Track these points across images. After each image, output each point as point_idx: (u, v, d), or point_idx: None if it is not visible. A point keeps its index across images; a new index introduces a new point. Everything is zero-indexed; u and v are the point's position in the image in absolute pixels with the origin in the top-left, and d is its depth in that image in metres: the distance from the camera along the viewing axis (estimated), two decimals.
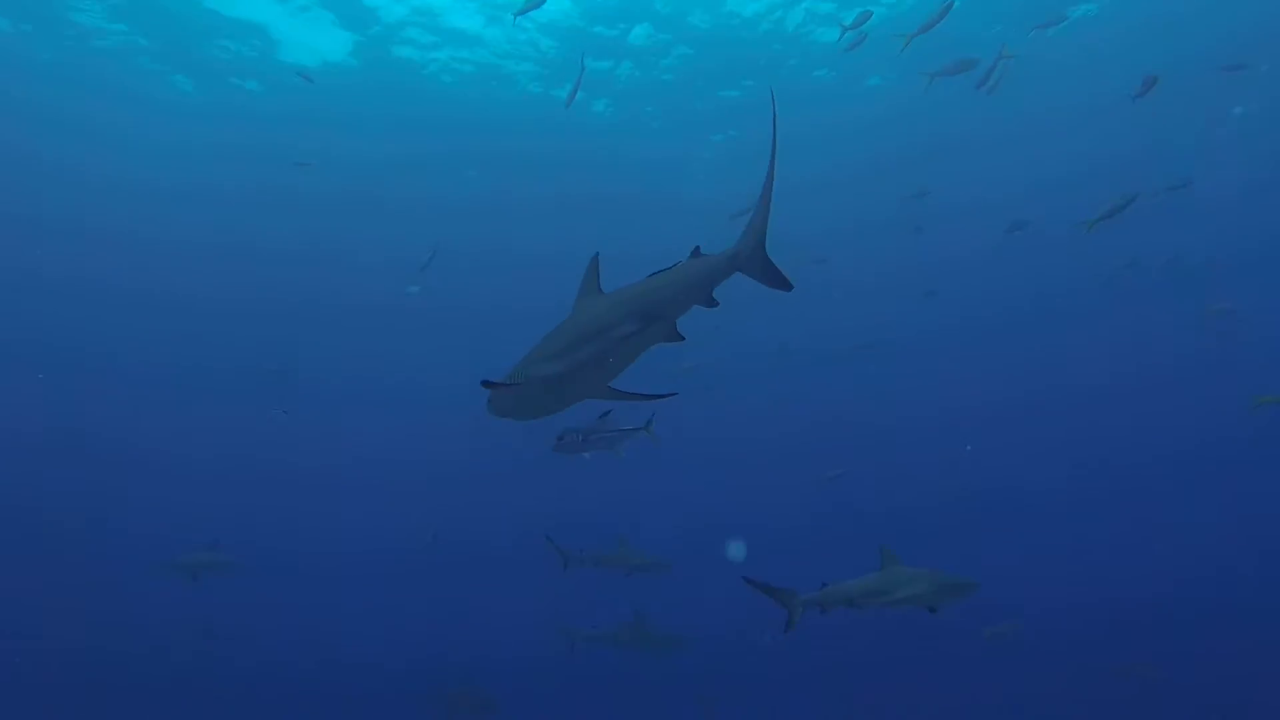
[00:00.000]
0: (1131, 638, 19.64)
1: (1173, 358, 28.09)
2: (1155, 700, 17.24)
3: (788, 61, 23.18)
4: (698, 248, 5.87)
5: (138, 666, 20.10)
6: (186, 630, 19.61)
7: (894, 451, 28.76)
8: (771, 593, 8.32)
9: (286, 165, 22.75)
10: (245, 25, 22.13)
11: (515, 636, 20.90)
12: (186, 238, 30.08)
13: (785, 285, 5.74)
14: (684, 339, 5.67)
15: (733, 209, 17.14)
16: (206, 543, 15.30)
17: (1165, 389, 28.80)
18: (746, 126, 24.90)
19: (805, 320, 25.46)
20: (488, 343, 16.65)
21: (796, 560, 13.59)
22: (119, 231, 29.89)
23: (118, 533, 25.17)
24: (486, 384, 5.58)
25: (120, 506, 27.26)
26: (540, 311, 8.87)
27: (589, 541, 12.22)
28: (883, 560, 8.42)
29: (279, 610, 22.70)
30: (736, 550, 18.30)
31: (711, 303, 5.76)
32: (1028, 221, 20.63)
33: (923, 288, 24.75)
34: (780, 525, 25.54)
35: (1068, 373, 30.04)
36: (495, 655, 20.63)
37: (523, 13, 17.65)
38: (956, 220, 26.02)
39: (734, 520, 21.86)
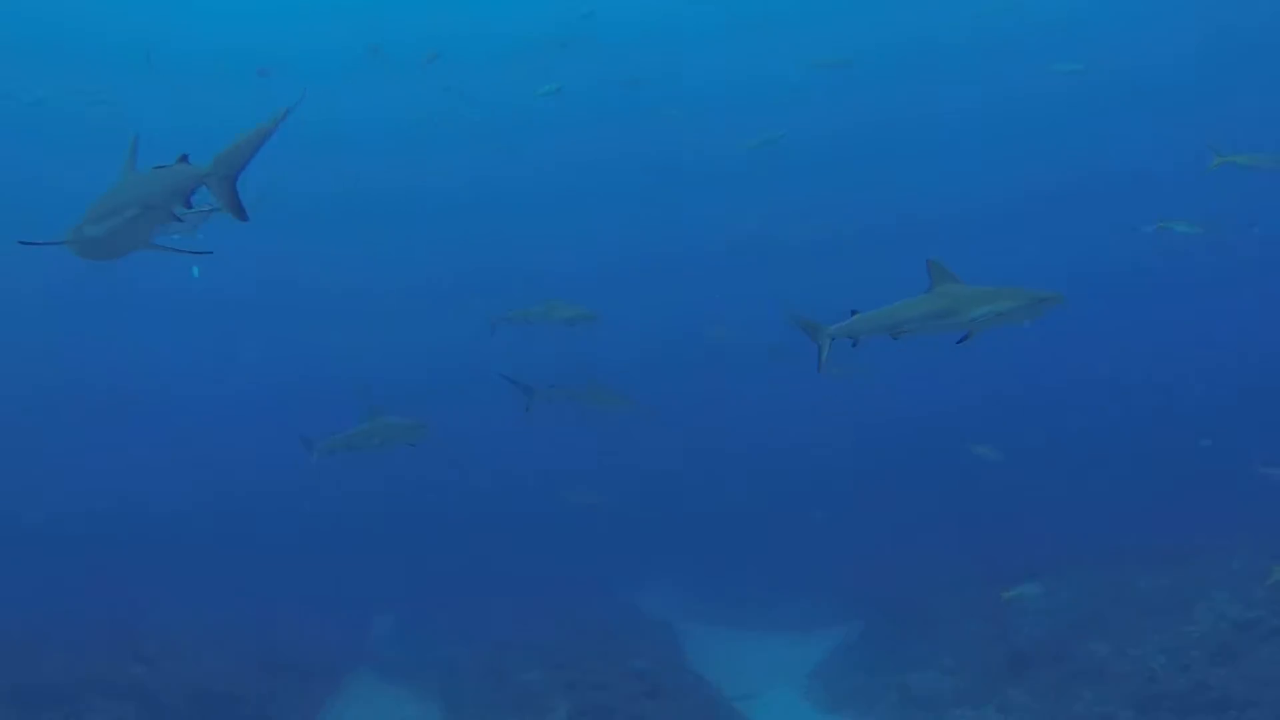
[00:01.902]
0: None
1: None
2: None
3: None
4: (184, 155, 6.08)
5: None
6: None
7: None
8: (798, 324, 7.46)
9: None
10: None
11: None
12: None
13: (241, 215, 5.96)
14: (181, 220, 6.14)
15: None
16: None
17: None
18: None
19: None
20: None
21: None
22: None
23: None
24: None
25: None
26: None
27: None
28: (932, 276, 6.93)
29: None
30: None
31: (186, 204, 6.13)
32: None
33: None
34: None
35: None
36: None
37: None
38: None
39: None
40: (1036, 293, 6.67)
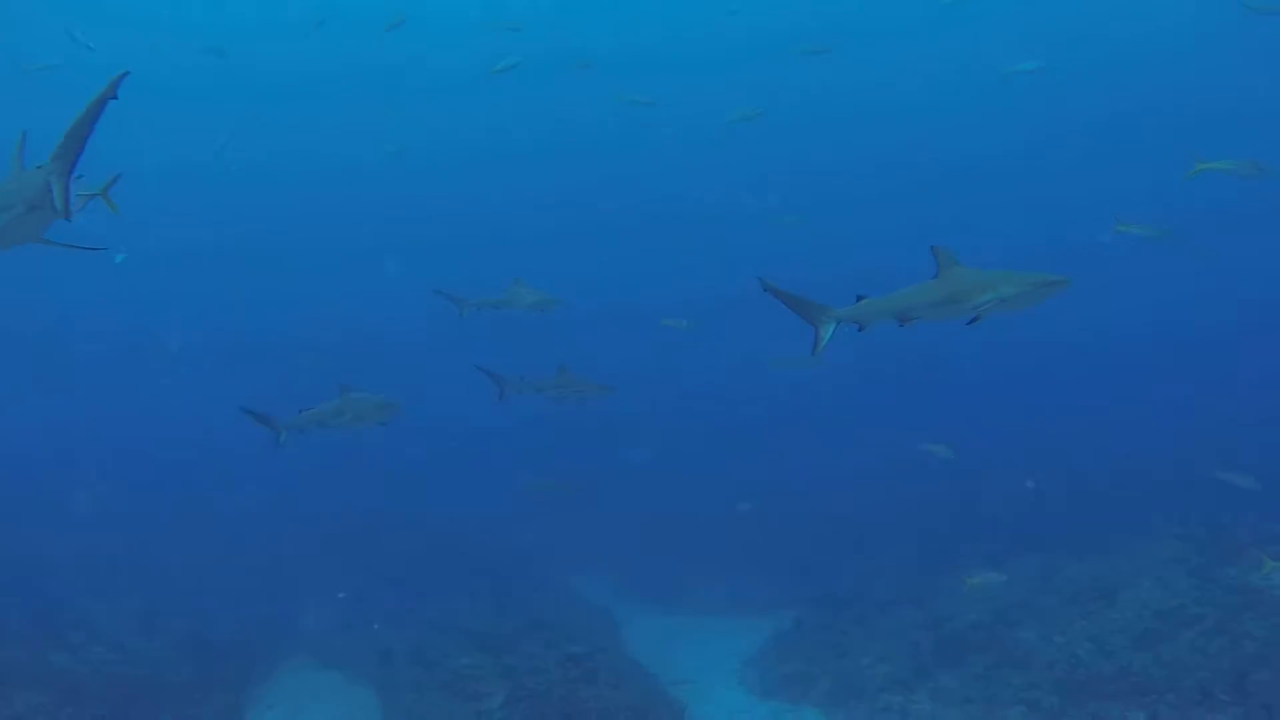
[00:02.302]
0: None
1: None
2: None
3: None
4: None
5: None
6: None
7: None
8: (796, 304, 7.08)
9: None
10: None
11: None
12: None
13: (66, 214, 5.95)
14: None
15: None
16: None
17: None
18: None
19: None
20: None
21: None
22: None
23: None
24: None
25: None
26: None
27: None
28: (939, 262, 6.85)
29: None
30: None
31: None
32: None
33: None
34: None
35: None
36: None
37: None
38: None
39: None
40: (1043, 276, 6.55)
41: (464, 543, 18.52)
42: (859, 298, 7.02)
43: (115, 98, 5.46)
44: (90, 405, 28.57)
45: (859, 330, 7.01)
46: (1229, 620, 10.39)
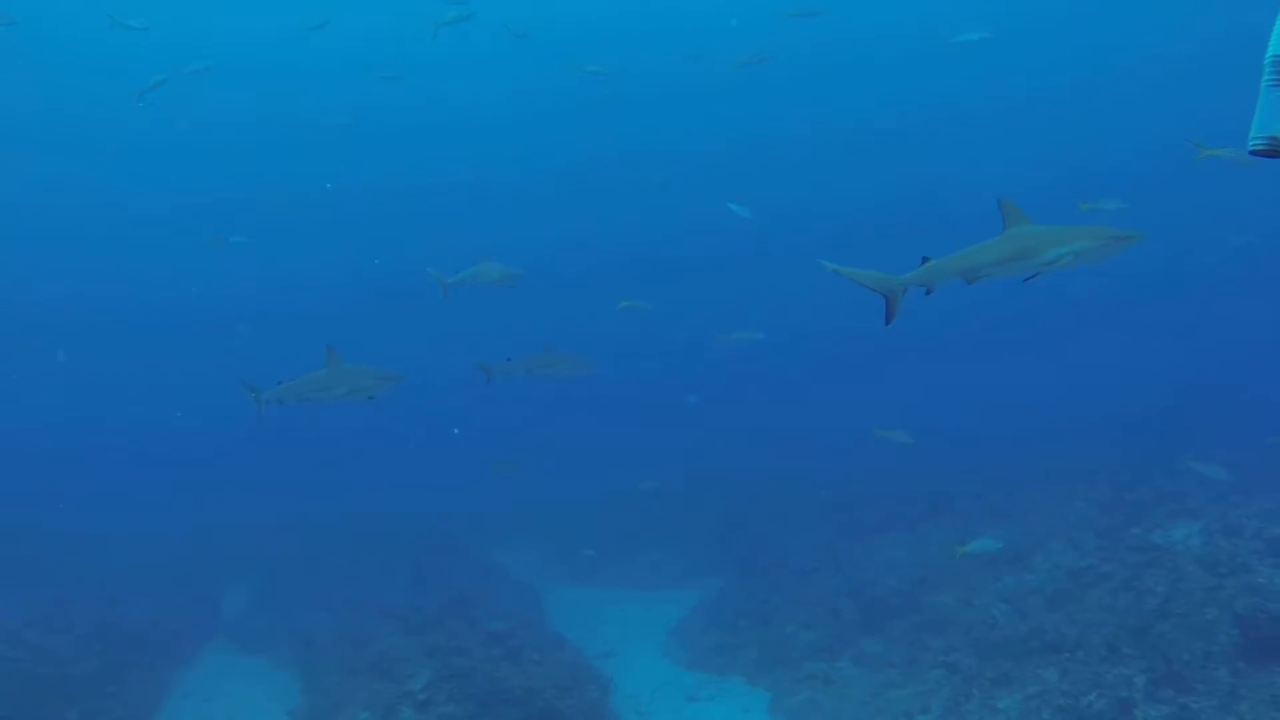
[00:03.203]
0: None
1: None
2: None
3: None
4: None
5: None
6: None
7: None
8: (863, 278, 6.88)
9: None
10: None
11: None
12: None
13: None
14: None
15: None
16: None
17: None
18: None
19: None
20: None
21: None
22: None
23: None
24: None
25: None
26: None
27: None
28: (1005, 219, 6.65)
29: None
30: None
31: None
32: None
33: None
34: None
35: None
36: None
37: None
38: None
39: None
40: (1114, 230, 6.36)
41: (387, 522, 18.29)
42: (924, 259, 6.86)
43: None
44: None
45: (926, 294, 6.87)
46: (1133, 578, 10.74)
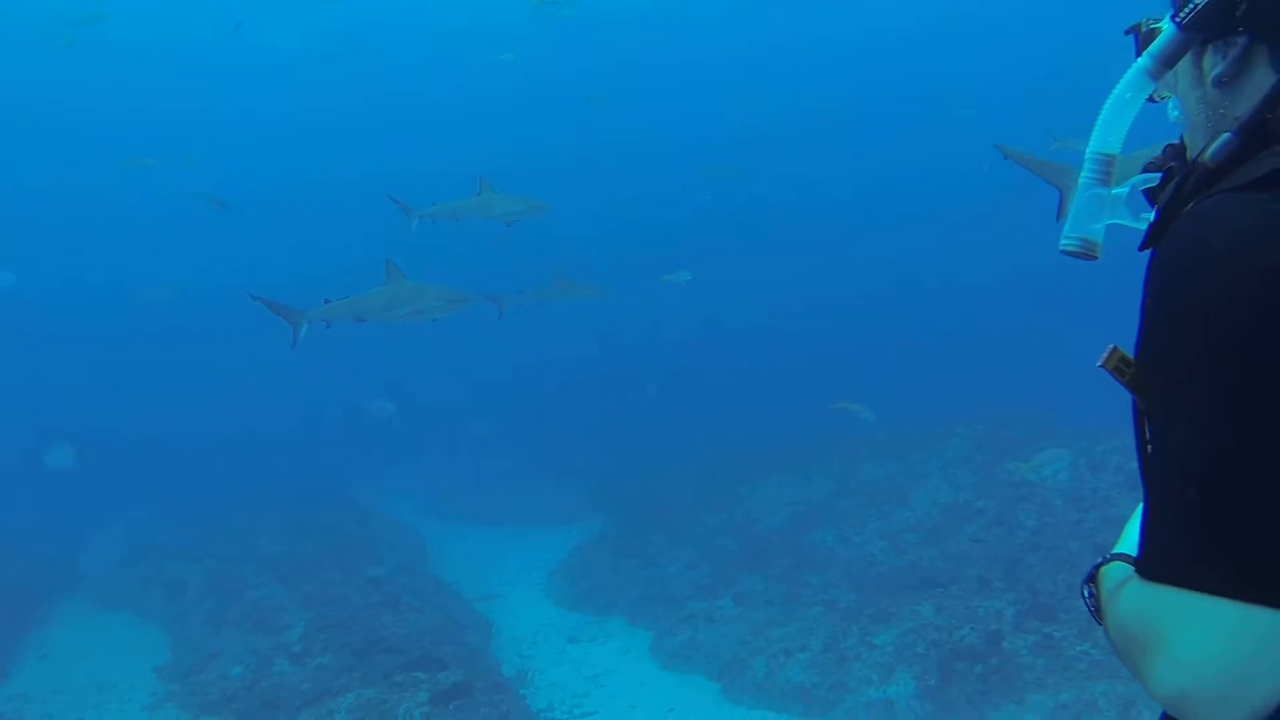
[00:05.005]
0: None
1: None
2: None
3: None
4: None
5: None
6: None
7: None
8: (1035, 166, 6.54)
9: None
10: None
11: None
12: None
13: None
14: None
15: None
16: None
17: None
18: None
19: None
20: None
21: None
22: None
23: None
24: None
25: None
26: None
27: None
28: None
29: None
30: None
31: None
32: None
33: None
34: None
35: None
36: None
37: None
38: None
39: None
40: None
41: (261, 465, 17.62)
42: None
43: None
44: None
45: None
46: (1006, 513, 11.05)
